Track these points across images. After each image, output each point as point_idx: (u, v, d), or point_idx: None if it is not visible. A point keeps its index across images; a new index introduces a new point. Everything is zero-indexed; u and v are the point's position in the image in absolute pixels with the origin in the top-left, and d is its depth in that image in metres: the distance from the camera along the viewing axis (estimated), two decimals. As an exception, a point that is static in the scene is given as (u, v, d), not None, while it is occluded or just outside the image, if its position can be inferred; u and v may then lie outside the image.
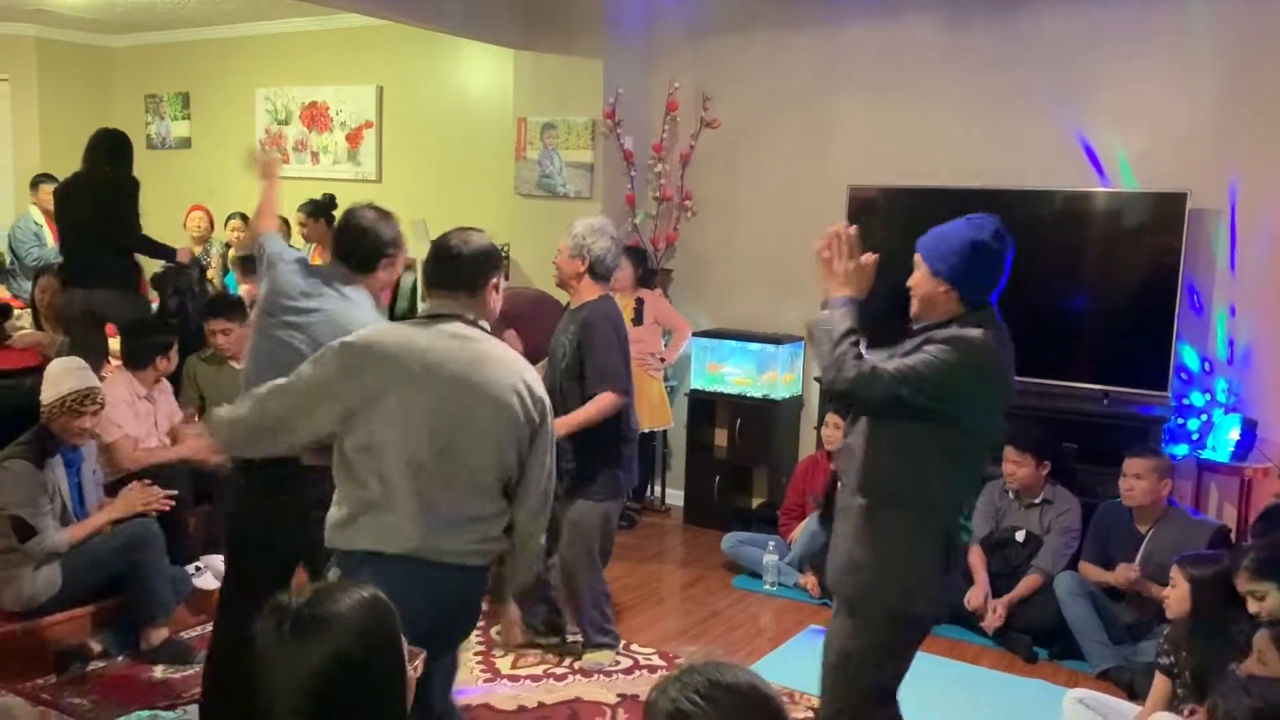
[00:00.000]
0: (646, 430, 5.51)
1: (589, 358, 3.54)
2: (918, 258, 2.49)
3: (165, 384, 4.40)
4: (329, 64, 7.43)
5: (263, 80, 7.76)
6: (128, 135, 5.25)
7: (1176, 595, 3.07)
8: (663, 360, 5.42)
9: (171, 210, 6.98)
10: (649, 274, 5.56)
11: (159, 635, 3.72)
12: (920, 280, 2.47)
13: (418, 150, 7.10)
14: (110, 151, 5.08)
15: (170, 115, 8.40)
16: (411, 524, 2.16)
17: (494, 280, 2.38)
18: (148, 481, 3.81)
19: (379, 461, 2.18)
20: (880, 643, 2.43)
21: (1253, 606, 2.76)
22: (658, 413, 5.45)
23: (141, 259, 5.30)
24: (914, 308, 2.50)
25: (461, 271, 2.32)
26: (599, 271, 3.63)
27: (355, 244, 2.86)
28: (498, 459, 2.24)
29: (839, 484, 2.82)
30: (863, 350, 2.38)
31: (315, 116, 7.54)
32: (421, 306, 2.45)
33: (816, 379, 5.20)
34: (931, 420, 2.34)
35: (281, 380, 2.29)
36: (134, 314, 4.86)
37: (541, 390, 2.34)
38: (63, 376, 3.64)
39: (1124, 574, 3.94)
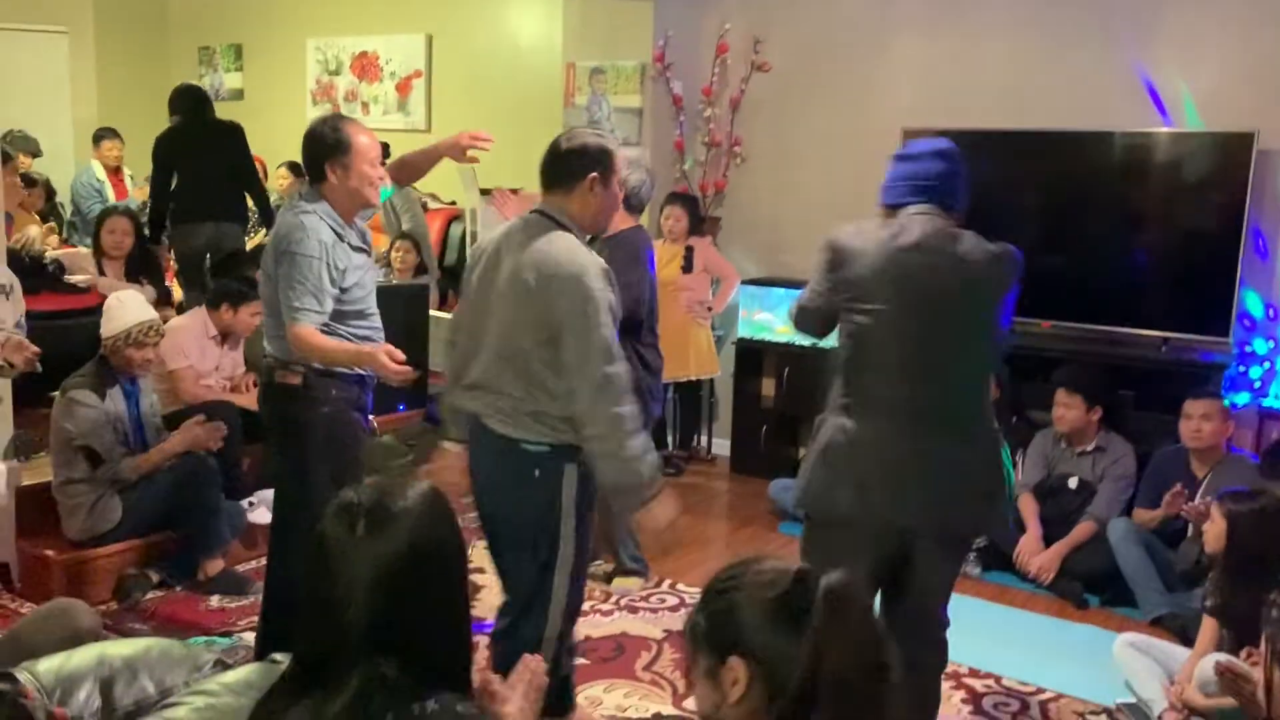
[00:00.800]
0: (694, 378, 5.52)
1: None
2: None
3: (241, 342, 4.45)
4: (378, 13, 7.44)
5: (313, 30, 7.79)
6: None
7: (1214, 531, 3.02)
8: (710, 309, 5.39)
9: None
10: (698, 221, 5.52)
11: (215, 567, 3.81)
12: None
13: (467, 99, 7.10)
14: (208, 103, 5.70)
15: (223, 67, 8.47)
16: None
17: (592, 176, 2.47)
18: (202, 418, 3.87)
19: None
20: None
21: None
22: (705, 361, 5.42)
23: None
24: None
25: (555, 167, 2.51)
26: (633, 203, 3.70)
27: (303, 154, 2.95)
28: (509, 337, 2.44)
29: None
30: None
31: (365, 66, 7.56)
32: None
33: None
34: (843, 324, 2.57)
35: None
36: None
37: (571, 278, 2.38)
38: (124, 309, 3.71)
39: (1175, 504, 3.84)
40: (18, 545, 3.72)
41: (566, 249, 2.42)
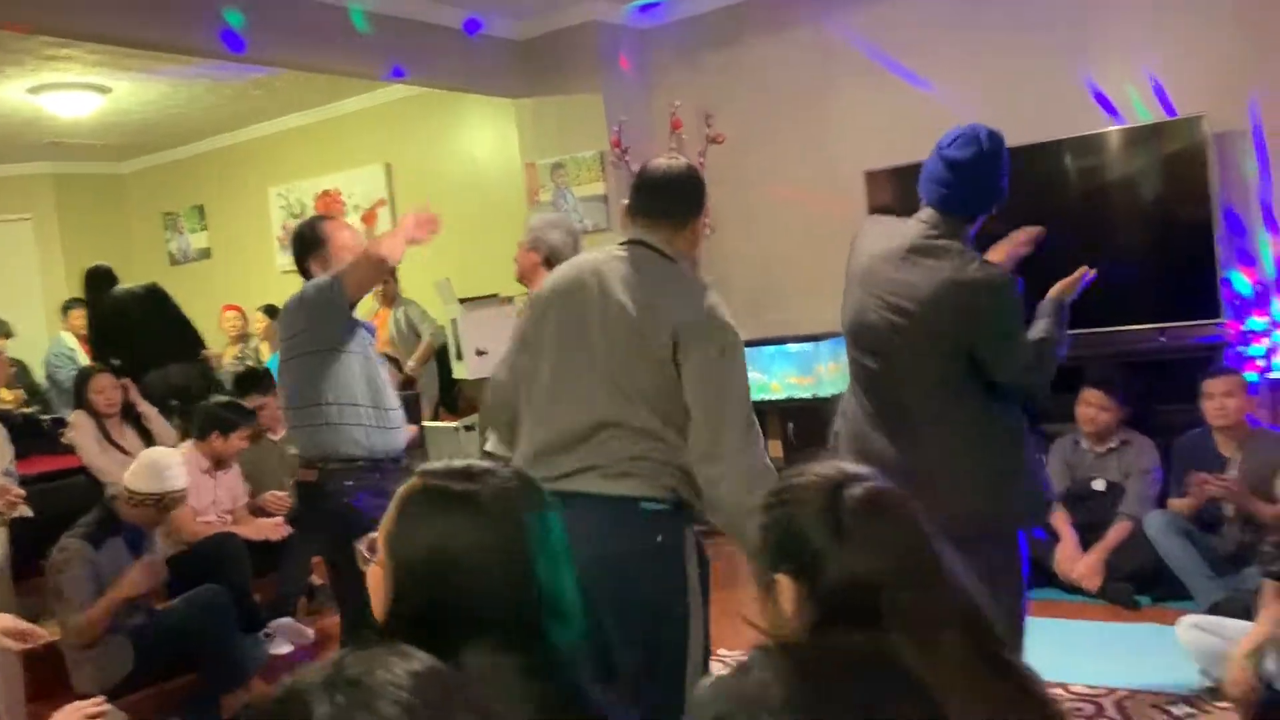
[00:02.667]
0: None
1: None
2: None
3: (234, 465, 4.38)
4: (336, 151, 7.58)
5: (274, 179, 7.92)
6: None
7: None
8: None
9: (202, 318, 7.06)
10: None
11: (238, 703, 3.64)
12: None
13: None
14: (111, 277, 5.84)
15: (188, 229, 8.56)
16: None
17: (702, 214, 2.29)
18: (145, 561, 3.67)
19: None
20: None
21: None
22: None
23: None
24: None
25: (669, 197, 2.25)
26: (555, 263, 3.61)
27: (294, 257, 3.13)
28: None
29: None
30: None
31: (328, 203, 7.65)
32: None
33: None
34: None
35: None
36: (200, 384, 5.21)
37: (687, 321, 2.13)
38: (172, 472, 3.62)
39: (1209, 488, 3.75)
40: (29, 709, 3.54)
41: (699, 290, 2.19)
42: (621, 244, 2.27)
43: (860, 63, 5.33)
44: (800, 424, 5.38)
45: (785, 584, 1.24)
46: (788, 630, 1.23)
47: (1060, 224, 4.81)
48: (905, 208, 5.15)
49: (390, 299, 6.58)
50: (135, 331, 5.52)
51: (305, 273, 3.06)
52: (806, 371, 5.43)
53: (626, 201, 2.34)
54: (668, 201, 2.24)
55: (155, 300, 5.76)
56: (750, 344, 5.52)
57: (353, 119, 7.42)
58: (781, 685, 1.12)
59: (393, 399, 3.10)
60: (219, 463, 4.28)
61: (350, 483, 2.88)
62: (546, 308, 2.25)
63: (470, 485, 1.28)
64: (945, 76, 5.11)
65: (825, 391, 5.39)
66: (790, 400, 5.44)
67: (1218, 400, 3.87)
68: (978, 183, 2.49)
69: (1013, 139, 4.72)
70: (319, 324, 2.90)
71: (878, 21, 5.28)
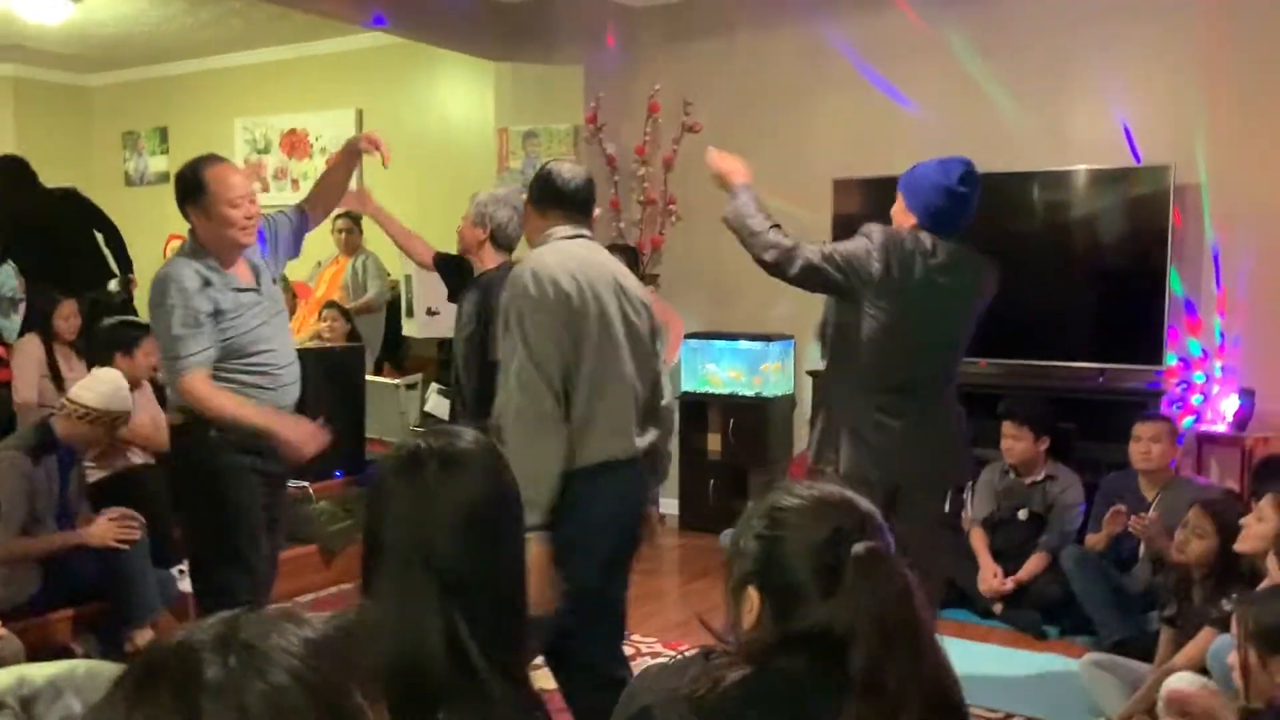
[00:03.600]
0: None
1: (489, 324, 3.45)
2: (899, 193, 3.06)
3: (146, 385, 4.26)
4: (307, 91, 7.44)
5: (241, 110, 7.76)
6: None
7: (1203, 545, 3.01)
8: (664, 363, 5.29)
9: (152, 244, 6.92)
10: (635, 271, 5.45)
11: (144, 637, 3.58)
12: (896, 212, 3.05)
13: (400, 170, 7.02)
14: (27, 171, 5.55)
15: (148, 150, 8.37)
16: None
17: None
18: (114, 516, 3.64)
19: None
20: None
21: (1253, 529, 2.74)
22: None
23: None
24: None
25: (588, 196, 2.66)
26: (500, 240, 3.60)
27: None
28: None
29: None
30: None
31: (295, 143, 7.53)
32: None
33: (810, 373, 5.13)
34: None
35: None
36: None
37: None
38: (117, 393, 3.59)
39: (1118, 521, 3.85)
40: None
41: None
42: (580, 236, 2.57)
43: (845, 70, 5.34)
44: (740, 421, 5.42)
45: (754, 599, 1.24)
46: (742, 634, 1.24)
47: (1021, 253, 4.91)
48: (872, 219, 5.21)
49: (352, 248, 6.49)
50: (48, 235, 5.31)
51: (186, 216, 2.84)
52: (754, 370, 5.46)
53: (531, 197, 2.64)
54: (590, 200, 2.64)
55: (75, 206, 5.55)
56: (700, 336, 5.57)
57: (328, 61, 7.29)
58: (713, 694, 1.14)
59: (280, 356, 2.90)
60: (132, 383, 4.18)
61: (214, 434, 2.76)
62: (585, 304, 2.46)
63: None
64: (926, 97, 5.14)
65: (769, 391, 5.43)
66: (734, 396, 5.47)
67: (1144, 444, 3.96)
68: (969, 212, 2.96)
69: (984, 166, 4.82)
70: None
71: (868, 33, 5.29)
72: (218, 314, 2.74)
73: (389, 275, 6.61)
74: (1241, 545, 2.97)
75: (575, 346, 2.38)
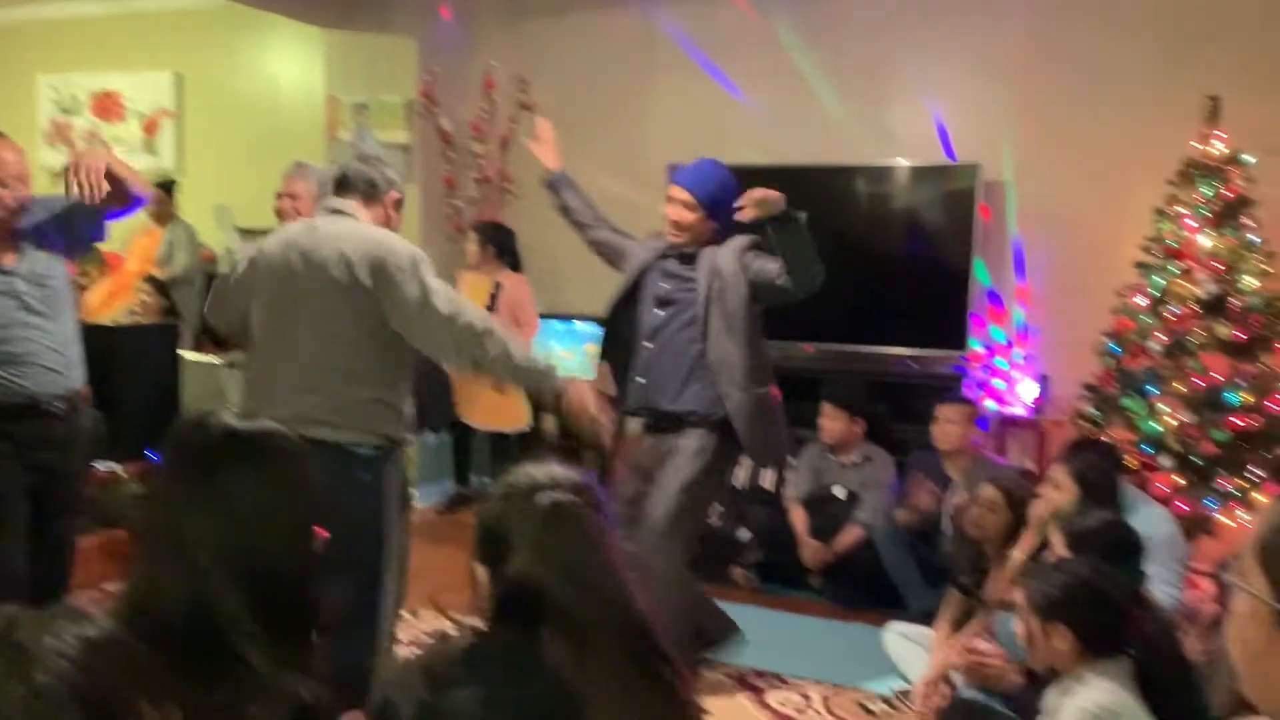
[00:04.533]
0: (503, 430, 5.18)
1: None
2: (690, 199, 3.21)
3: None
4: (120, 50, 7.01)
5: (47, 66, 7.24)
6: None
7: (996, 520, 3.21)
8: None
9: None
10: (509, 254, 5.20)
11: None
12: (695, 221, 3.22)
13: (223, 138, 6.77)
14: None
15: (-62, 105, 7.70)
16: None
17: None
18: None
19: None
20: None
21: (1048, 495, 2.94)
22: (502, 411, 5.13)
23: None
24: (682, 240, 3.26)
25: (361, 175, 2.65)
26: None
27: None
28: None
29: None
30: None
31: (107, 106, 7.09)
32: None
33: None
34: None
35: None
36: None
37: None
38: None
39: (926, 499, 4.12)
40: None
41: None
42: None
43: (678, 56, 5.42)
44: (574, 402, 5.44)
45: (481, 575, 1.32)
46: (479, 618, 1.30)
47: (842, 243, 5.12)
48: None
49: (163, 218, 6.17)
50: None
51: None
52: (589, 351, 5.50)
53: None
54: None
55: None
56: (542, 317, 5.55)
57: (145, 19, 6.88)
58: (443, 662, 1.20)
59: (17, 343, 2.70)
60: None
61: None
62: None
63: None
64: (756, 87, 5.28)
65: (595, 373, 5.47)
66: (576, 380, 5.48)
67: (942, 425, 4.21)
68: None
69: (808, 157, 5.02)
70: None
71: (700, 19, 5.38)
72: None
73: (204, 246, 6.32)
74: (1038, 510, 3.23)
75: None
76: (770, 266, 3.11)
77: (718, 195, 3.17)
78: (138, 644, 0.87)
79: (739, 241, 3.23)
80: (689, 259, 3.25)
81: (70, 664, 0.77)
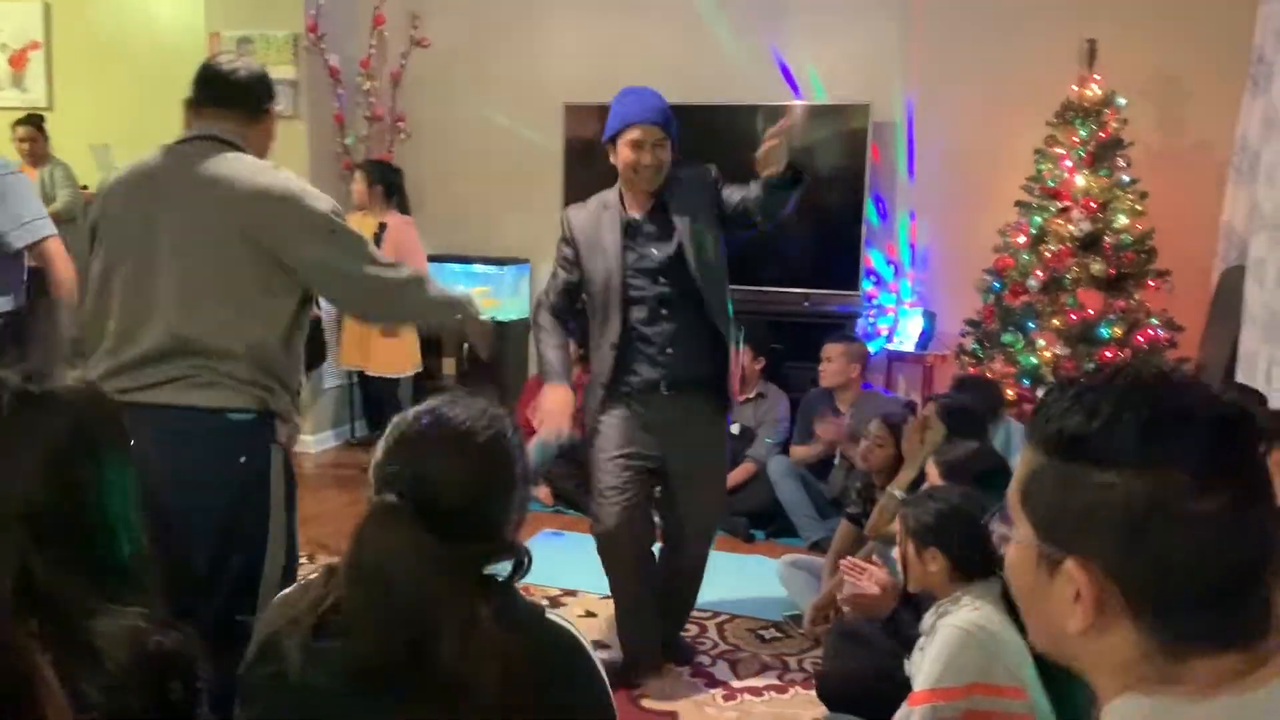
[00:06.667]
0: (387, 375, 5.10)
1: None
2: (661, 134, 2.86)
3: None
4: (-18, -23, 6.59)
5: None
6: None
7: (882, 453, 3.33)
8: None
9: None
10: (396, 193, 5.02)
11: None
12: (667, 155, 2.89)
13: (97, 72, 6.45)
14: None
15: None
16: None
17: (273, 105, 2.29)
18: None
19: None
20: None
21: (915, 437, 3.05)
22: (397, 356, 5.05)
23: None
24: (657, 184, 2.91)
25: (232, 88, 2.20)
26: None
27: None
28: None
29: None
30: None
31: (-32, 38, 6.67)
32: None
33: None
34: None
35: None
36: None
37: None
38: None
39: (830, 430, 4.24)
40: None
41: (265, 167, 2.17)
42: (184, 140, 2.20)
43: (573, -5, 5.35)
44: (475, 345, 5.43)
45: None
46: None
47: (734, 182, 5.18)
48: (605, 147, 5.27)
49: (38, 158, 5.88)
50: None
51: None
52: (491, 294, 5.47)
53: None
54: (239, 91, 2.21)
55: None
56: (434, 260, 5.50)
57: (8, -57, 6.48)
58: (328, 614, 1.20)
59: None
60: None
61: None
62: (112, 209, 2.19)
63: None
64: (652, 26, 5.25)
65: (505, 315, 5.46)
66: (467, 319, 5.46)
67: (824, 363, 4.34)
68: None
69: (706, 97, 5.03)
70: None
71: (591, -45, 5.31)
72: None
73: (84, 187, 6.06)
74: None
75: None
76: (747, 197, 2.88)
77: (670, 116, 2.89)
78: None
79: (702, 173, 2.97)
80: (663, 208, 2.92)
81: None
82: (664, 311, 2.91)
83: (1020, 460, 0.93)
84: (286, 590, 1.37)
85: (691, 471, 3.00)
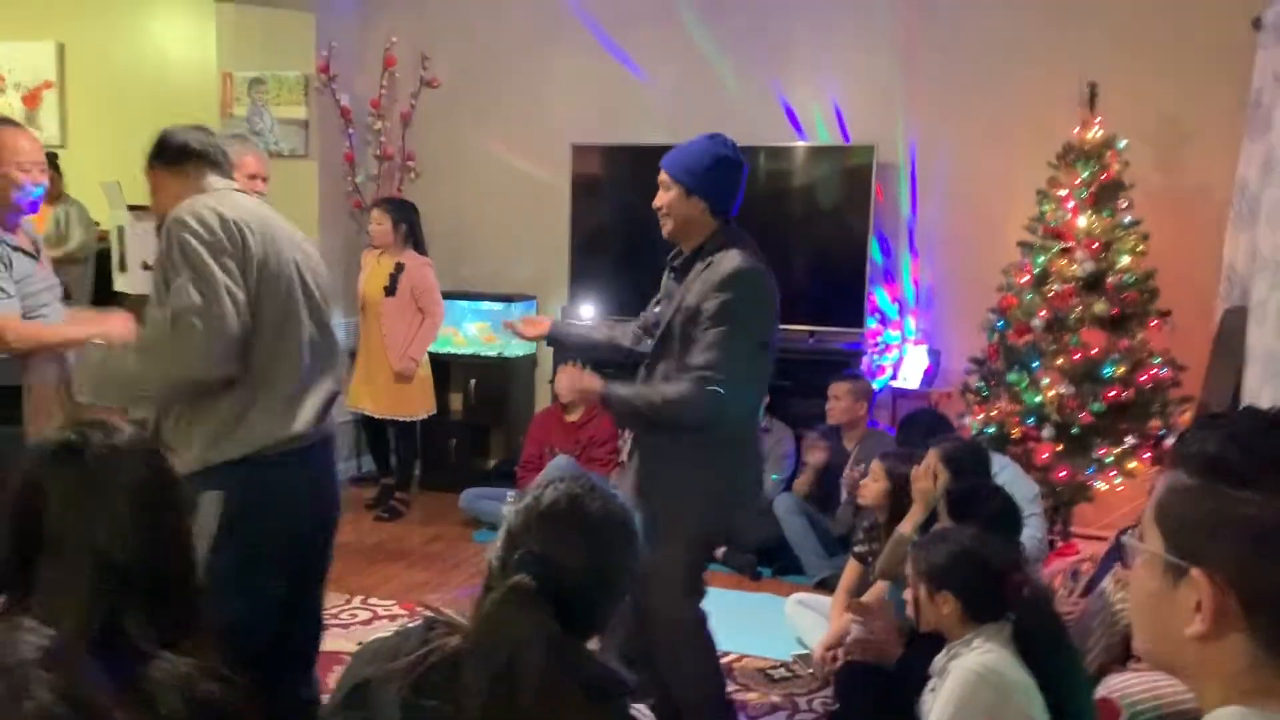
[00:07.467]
0: (402, 419, 5.07)
1: None
2: (665, 177, 2.64)
3: None
4: (-2, 18, 6.70)
5: (-88, 32, 6.87)
6: None
7: (876, 488, 3.36)
8: (414, 361, 4.91)
9: None
10: (412, 231, 4.97)
11: None
12: (673, 200, 2.63)
13: (108, 111, 6.53)
14: None
15: None
16: None
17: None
18: None
19: None
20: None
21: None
22: (407, 397, 4.99)
23: None
24: (669, 230, 2.68)
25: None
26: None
27: None
28: None
29: None
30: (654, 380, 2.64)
31: (-16, 77, 6.77)
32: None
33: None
34: None
35: None
36: None
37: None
38: None
39: (816, 454, 4.33)
40: None
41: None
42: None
43: (580, 33, 5.43)
44: (482, 381, 5.48)
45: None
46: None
47: (740, 222, 5.23)
48: (611, 187, 5.36)
49: (52, 196, 5.94)
50: None
51: None
52: (496, 330, 5.51)
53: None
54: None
55: None
56: (446, 296, 5.54)
57: (23, -15, 6.59)
58: (428, 665, 1.21)
59: (45, 313, 2.88)
60: None
61: None
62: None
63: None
64: (658, 67, 5.33)
65: (511, 352, 5.51)
66: (475, 356, 5.51)
67: (831, 401, 4.39)
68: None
69: (710, 137, 5.08)
70: None
71: (596, -2, 5.40)
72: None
73: (97, 225, 6.12)
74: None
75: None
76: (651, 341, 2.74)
77: (693, 165, 2.62)
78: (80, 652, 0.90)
79: (723, 282, 2.66)
80: (688, 264, 2.71)
81: (47, 674, 0.79)
82: (643, 373, 2.75)
83: (1159, 481, 1.04)
84: (382, 637, 1.36)
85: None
